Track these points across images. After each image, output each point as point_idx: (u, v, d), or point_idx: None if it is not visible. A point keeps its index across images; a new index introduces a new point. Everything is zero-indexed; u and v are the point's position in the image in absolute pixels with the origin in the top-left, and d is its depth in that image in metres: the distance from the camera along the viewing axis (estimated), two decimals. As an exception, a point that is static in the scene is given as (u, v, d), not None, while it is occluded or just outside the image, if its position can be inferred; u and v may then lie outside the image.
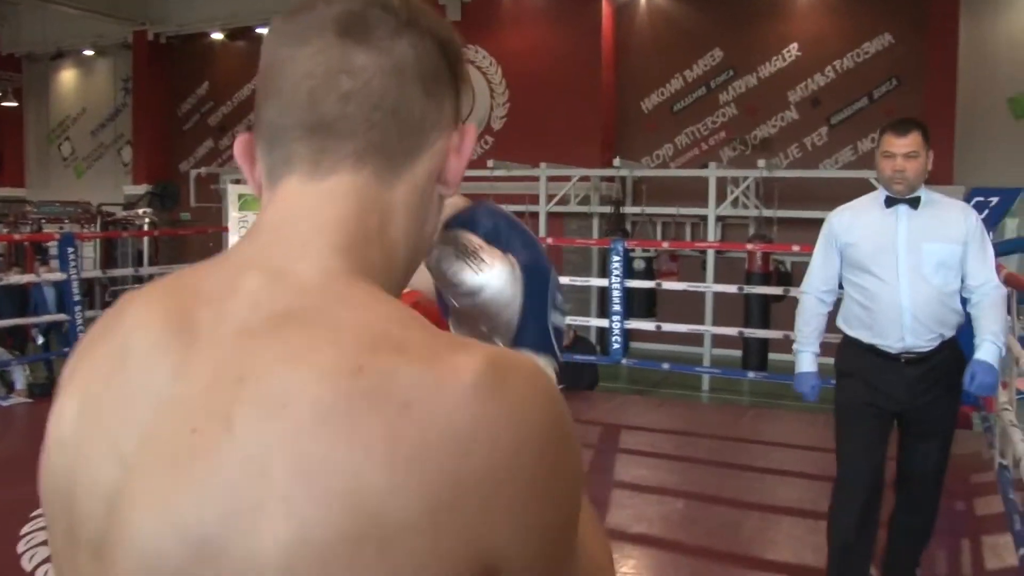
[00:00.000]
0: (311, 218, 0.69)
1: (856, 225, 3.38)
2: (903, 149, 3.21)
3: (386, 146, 0.70)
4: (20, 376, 7.47)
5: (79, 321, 7.83)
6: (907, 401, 3.30)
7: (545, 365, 0.84)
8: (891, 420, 3.34)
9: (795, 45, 11.12)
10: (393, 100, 0.69)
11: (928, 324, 3.26)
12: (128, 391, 0.65)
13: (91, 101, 17.78)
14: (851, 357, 3.40)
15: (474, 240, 0.87)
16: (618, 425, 6.51)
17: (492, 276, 0.86)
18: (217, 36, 15.56)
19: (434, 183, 0.74)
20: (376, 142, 0.69)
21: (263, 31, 14.85)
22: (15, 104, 17.72)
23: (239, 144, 0.75)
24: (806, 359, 3.54)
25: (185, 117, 16.36)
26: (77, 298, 7.88)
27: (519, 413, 0.59)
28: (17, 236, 10.95)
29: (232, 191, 8.93)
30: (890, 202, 3.29)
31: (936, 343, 3.27)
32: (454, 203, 0.88)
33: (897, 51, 10.60)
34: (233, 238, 8.57)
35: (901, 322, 3.26)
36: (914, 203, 3.26)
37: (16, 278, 8.81)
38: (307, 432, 0.57)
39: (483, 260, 0.86)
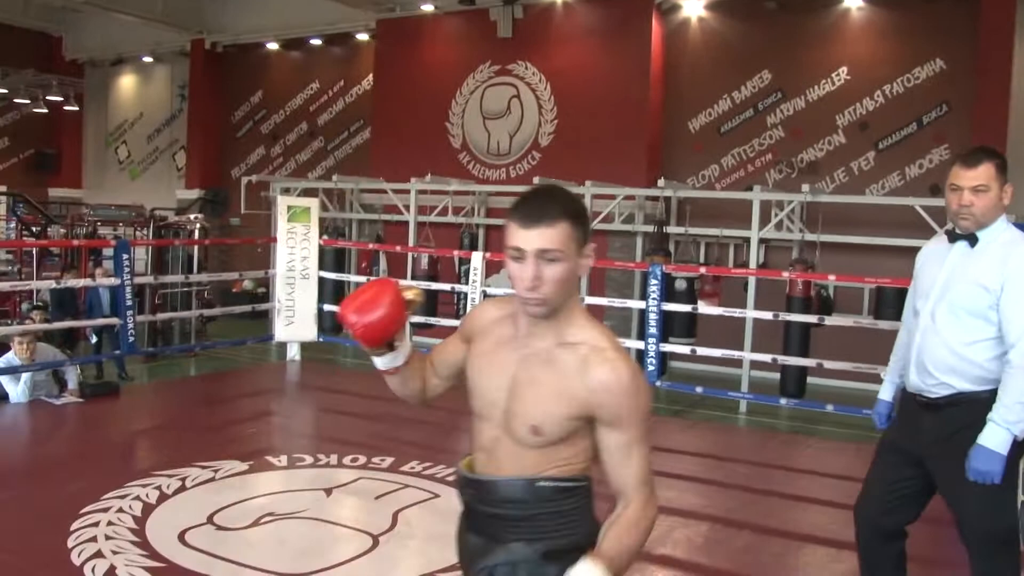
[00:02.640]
0: None
1: (925, 257, 3.25)
2: (971, 182, 2.96)
3: None
4: (72, 376, 7.68)
5: (130, 324, 8.05)
6: (924, 448, 3.11)
7: None
8: (915, 463, 3.14)
9: (844, 69, 11.08)
10: None
11: (932, 370, 3.06)
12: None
13: (148, 107, 18.21)
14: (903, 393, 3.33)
15: None
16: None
17: None
18: (272, 46, 15.87)
19: None
20: None
21: (316, 42, 15.14)
22: (76, 108, 18.20)
23: None
24: (883, 387, 3.48)
25: (238, 124, 16.68)
26: (129, 302, 8.11)
27: None
28: (75, 242, 11.26)
29: (282, 202, 9.11)
30: (953, 237, 3.09)
31: (944, 392, 3.04)
32: None
33: (948, 77, 10.52)
34: (282, 248, 8.75)
35: (910, 360, 3.15)
36: (973, 241, 3.02)
37: (73, 282, 9.07)
38: None
39: None
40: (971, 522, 3.03)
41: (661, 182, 10.76)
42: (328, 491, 5.05)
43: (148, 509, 4.59)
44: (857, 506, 3.33)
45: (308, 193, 12.63)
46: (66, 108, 17.99)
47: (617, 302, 8.96)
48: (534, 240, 1.86)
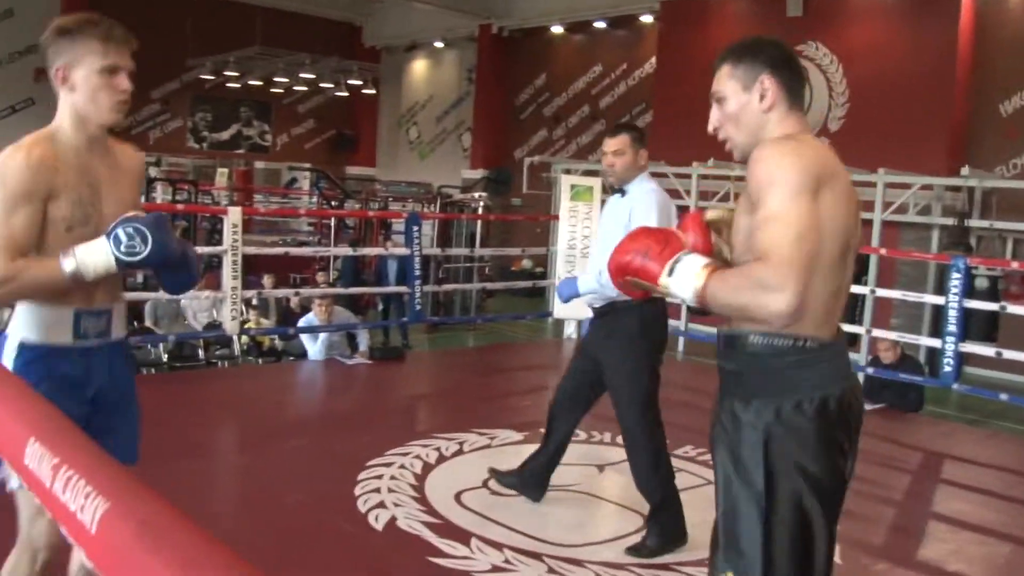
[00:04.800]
0: None
1: (605, 207, 4.21)
2: (611, 148, 3.88)
3: None
4: (364, 339, 8.19)
5: (417, 294, 8.45)
6: (593, 347, 4.05)
7: None
8: (591, 357, 4.04)
9: None
10: None
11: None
12: None
13: (438, 89, 19.11)
14: None
15: None
16: (942, 453, 6.04)
17: None
18: (557, 30, 16.13)
19: None
20: None
21: (600, 25, 15.23)
22: (373, 92, 19.42)
23: None
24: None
25: (522, 107, 17.13)
26: (418, 273, 8.50)
27: None
28: (370, 213, 12.02)
29: (565, 181, 9.20)
30: (612, 191, 4.08)
31: (599, 304, 3.94)
32: None
33: None
34: (563, 227, 8.85)
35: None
36: (623, 192, 3.94)
37: (368, 251, 9.68)
38: None
39: None
40: (620, 393, 3.92)
41: (965, 170, 9.89)
42: (600, 467, 5.04)
43: (427, 468, 4.77)
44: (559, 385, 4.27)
45: (589, 175, 12.73)
46: (364, 92, 19.24)
47: (912, 296, 8.31)
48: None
